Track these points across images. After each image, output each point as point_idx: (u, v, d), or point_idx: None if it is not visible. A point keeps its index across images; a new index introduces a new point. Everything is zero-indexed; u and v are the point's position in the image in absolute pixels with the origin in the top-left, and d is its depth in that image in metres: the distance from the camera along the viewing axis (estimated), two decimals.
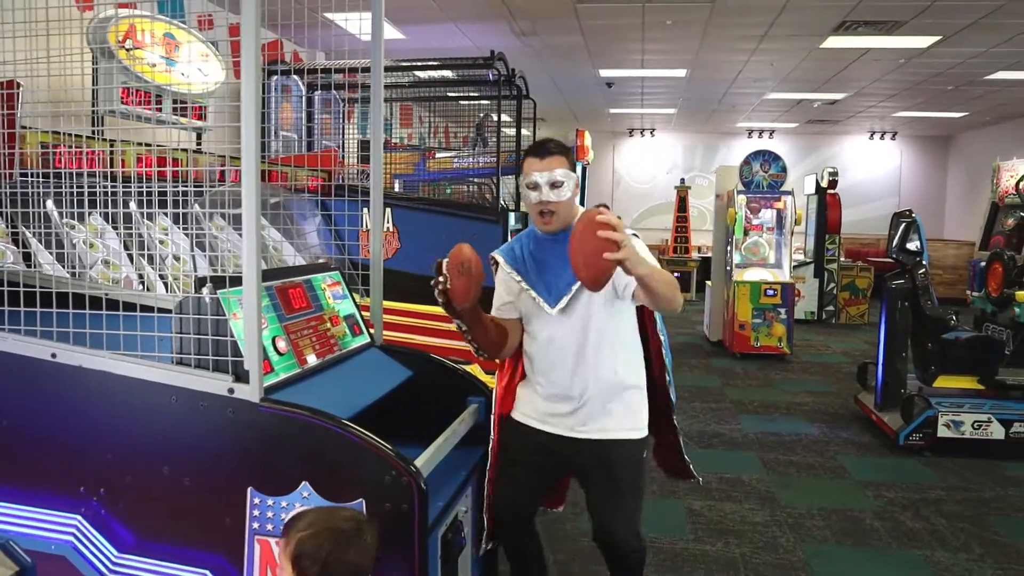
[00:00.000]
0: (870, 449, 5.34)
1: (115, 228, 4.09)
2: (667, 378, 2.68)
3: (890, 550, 3.74)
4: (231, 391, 1.97)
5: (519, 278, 2.52)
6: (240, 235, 3.59)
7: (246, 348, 1.96)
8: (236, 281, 2.02)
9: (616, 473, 2.48)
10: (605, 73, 10.55)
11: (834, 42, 8.27)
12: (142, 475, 2.08)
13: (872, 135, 16.00)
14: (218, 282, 2.03)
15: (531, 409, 2.55)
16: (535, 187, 2.39)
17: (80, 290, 2.21)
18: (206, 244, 4.25)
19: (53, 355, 2.12)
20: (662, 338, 2.65)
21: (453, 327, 5.67)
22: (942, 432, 5.13)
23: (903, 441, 5.18)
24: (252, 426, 1.97)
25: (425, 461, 2.01)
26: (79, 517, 2.11)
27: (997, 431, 5.11)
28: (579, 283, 2.32)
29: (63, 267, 3.72)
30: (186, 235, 4.34)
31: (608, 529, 2.50)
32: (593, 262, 2.07)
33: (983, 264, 7.09)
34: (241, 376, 1.98)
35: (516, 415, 2.59)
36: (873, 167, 16.16)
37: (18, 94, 3.63)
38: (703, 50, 8.92)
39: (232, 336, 2.00)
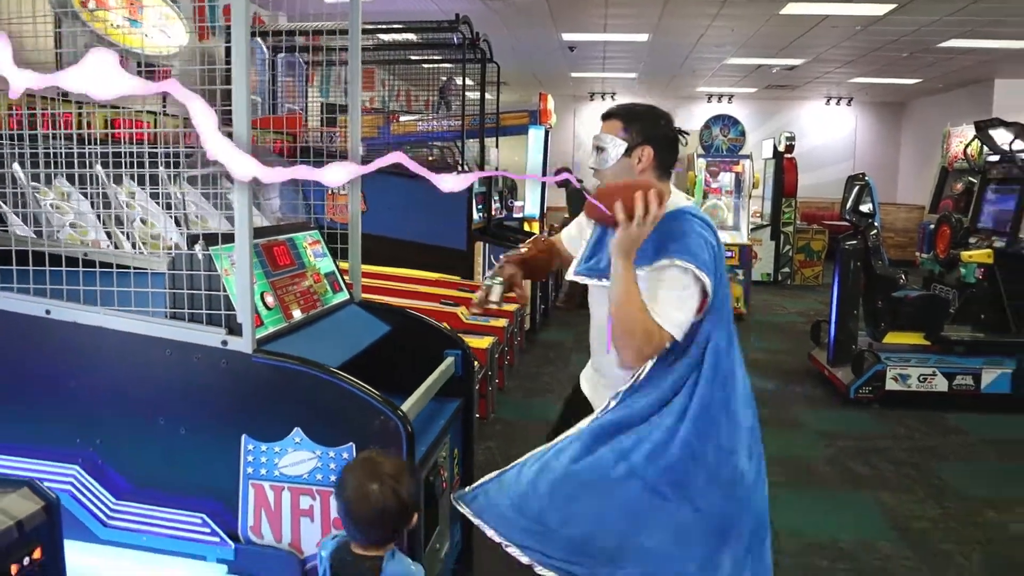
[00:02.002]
0: (823, 402, 5.60)
1: (82, 191, 4.11)
2: None
3: (840, 493, 3.98)
4: (225, 343, 2.06)
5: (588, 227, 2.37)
6: (204, 196, 3.65)
7: (239, 302, 2.06)
8: (228, 239, 2.11)
9: None
10: (568, 37, 10.61)
11: (793, 8, 8.42)
12: (138, 426, 2.17)
13: (829, 101, 16.28)
14: (210, 239, 2.12)
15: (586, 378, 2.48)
16: None
17: (73, 253, 2.28)
18: (172, 206, 4.29)
19: (47, 312, 2.19)
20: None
21: (421, 288, 5.77)
22: (890, 385, 5.40)
23: (853, 394, 5.44)
24: (246, 376, 2.07)
25: (410, 406, 2.13)
26: (76, 467, 2.19)
27: (941, 384, 5.39)
28: (604, 281, 2.14)
29: (29, 228, 3.74)
30: (157, 199, 4.38)
31: None
32: (607, 200, 2.00)
33: (932, 227, 7.35)
34: (234, 329, 2.07)
35: None
36: (829, 132, 16.47)
37: None
38: (665, 15, 9.02)
39: (224, 291, 2.09)
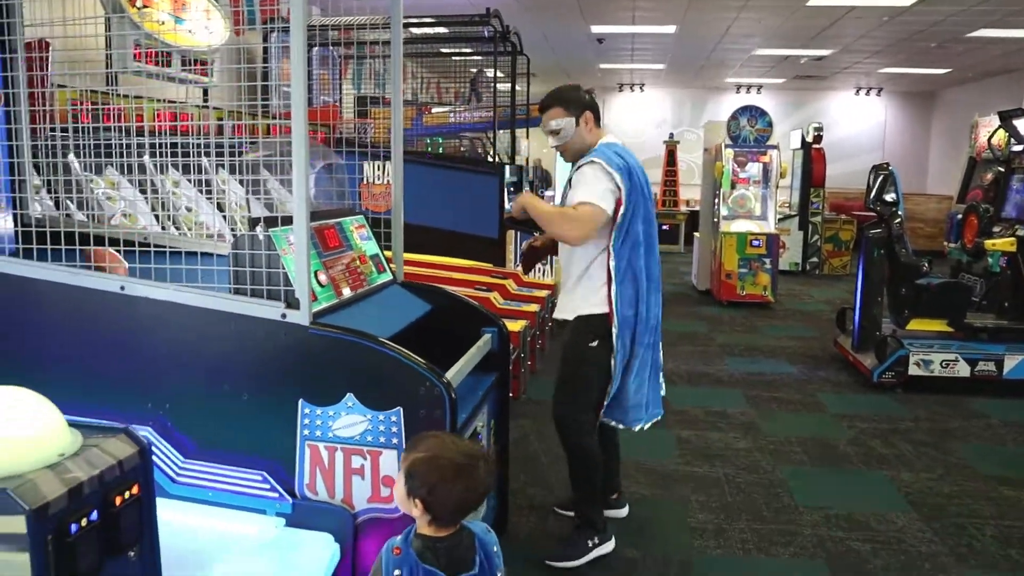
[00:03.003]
0: (846, 387, 5.72)
1: (131, 180, 4.34)
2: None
3: (860, 471, 4.11)
4: (284, 316, 2.27)
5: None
6: (240, 184, 3.88)
7: (297, 279, 2.26)
8: (286, 221, 2.31)
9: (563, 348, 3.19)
10: (596, 29, 10.73)
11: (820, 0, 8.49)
12: (204, 392, 2.38)
13: (858, 91, 16.23)
14: (269, 222, 2.32)
15: None
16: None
17: (140, 237, 2.48)
18: (215, 193, 4.51)
19: (122, 288, 2.40)
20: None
21: (455, 275, 5.97)
22: (913, 370, 5.50)
23: (877, 379, 5.55)
24: (303, 346, 2.27)
25: (453, 375, 2.32)
26: (149, 429, 2.41)
27: (963, 369, 5.48)
28: (563, 204, 3.13)
29: (83, 215, 3.97)
30: (204, 191, 4.60)
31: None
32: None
33: (960, 216, 7.41)
34: (292, 304, 2.27)
35: None
36: (858, 122, 16.42)
37: (50, 55, 3.86)
38: (692, 7, 9.12)
39: (283, 269, 2.29)
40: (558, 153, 3.19)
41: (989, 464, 4.23)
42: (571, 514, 3.40)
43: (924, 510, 3.63)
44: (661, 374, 3.24)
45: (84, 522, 1.40)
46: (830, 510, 3.60)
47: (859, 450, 4.40)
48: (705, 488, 3.83)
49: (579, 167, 3.01)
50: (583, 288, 3.05)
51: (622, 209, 2.93)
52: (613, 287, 2.98)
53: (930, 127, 16.45)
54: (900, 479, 4.00)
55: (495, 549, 1.87)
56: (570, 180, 3.10)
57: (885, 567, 3.12)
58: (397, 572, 1.74)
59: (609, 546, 3.13)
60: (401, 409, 2.23)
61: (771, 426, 4.76)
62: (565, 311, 3.14)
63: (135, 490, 1.56)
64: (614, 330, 3.00)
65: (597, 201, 2.90)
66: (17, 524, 1.29)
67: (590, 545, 3.08)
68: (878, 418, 4.97)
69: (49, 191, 3.82)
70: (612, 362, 3.02)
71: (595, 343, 3.02)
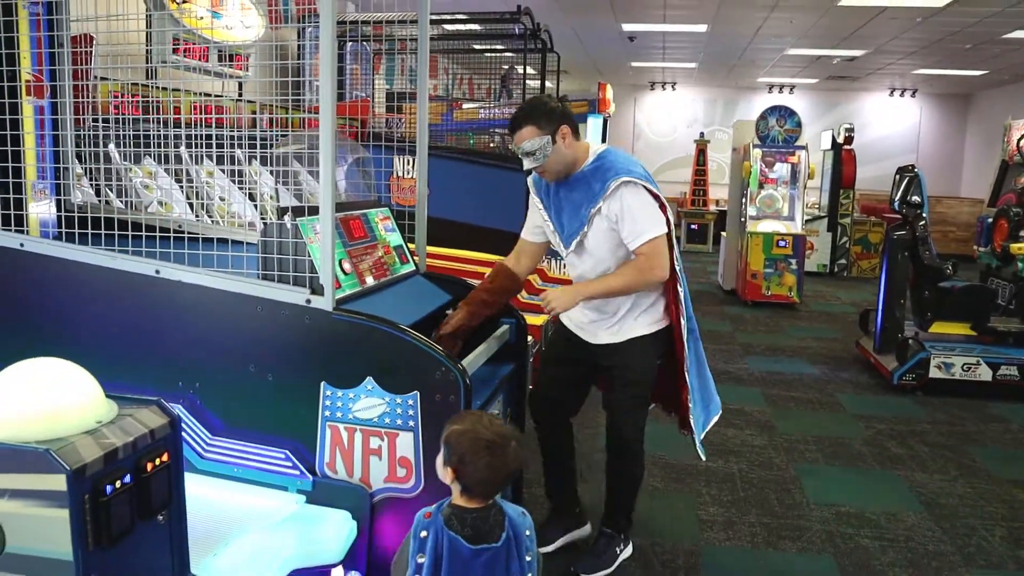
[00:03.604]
0: (866, 388, 5.74)
1: (167, 170, 4.50)
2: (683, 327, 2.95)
3: (873, 470, 4.15)
4: (308, 301, 2.37)
5: (541, 206, 2.96)
6: (271, 175, 4.00)
7: (321, 266, 2.36)
8: (312, 211, 2.42)
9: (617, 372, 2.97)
10: (628, 27, 10.76)
11: (851, 0, 8.46)
12: (231, 372, 2.49)
13: (892, 92, 16.07)
14: (297, 211, 2.43)
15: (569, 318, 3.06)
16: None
17: (178, 225, 2.61)
18: (246, 185, 4.66)
19: (157, 271, 2.53)
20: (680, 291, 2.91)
21: (478, 269, 6.07)
22: (934, 373, 5.50)
23: (897, 381, 5.57)
24: (326, 331, 2.38)
25: (469, 362, 2.42)
26: (179, 406, 2.53)
27: (985, 373, 5.47)
28: (586, 228, 2.80)
29: (120, 203, 4.13)
30: (237, 181, 4.74)
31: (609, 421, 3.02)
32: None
33: (990, 220, 7.37)
34: (317, 290, 2.37)
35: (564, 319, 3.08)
36: (892, 124, 16.27)
37: (94, 50, 4.01)
38: (723, 6, 9.12)
39: (309, 257, 2.40)
40: (535, 175, 2.92)
41: (1005, 468, 4.24)
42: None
43: (935, 510, 3.67)
44: None
45: (118, 484, 1.52)
46: (841, 507, 3.65)
47: (874, 450, 4.43)
48: (718, 483, 3.90)
49: (612, 192, 2.71)
50: (637, 308, 2.87)
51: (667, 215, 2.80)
52: (682, 292, 2.89)
53: (965, 129, 16.26)
54: (914, 479, 4.03)
55: (528, 533, 1.96)
56: (557, 198, 2.86)
57: (892, 563, 3.17)
58: (424, 533, 1.88)
59: (630, 549, 3.15)
60: (418, 393, 2.33)
61: (788, 424, 4.81)
62: (607, 336, 2.92)
63: (165, 457, 1.68)
64: (684, 336, 2.93)
65: (657, 230, 2.72)
66: (58, 482, 1.41)
67: (618, 552, 3.10)
68: (896, 419, 4.99)
69: (90, 179, 3.99)
70: (686, 369, 2.98)
71: (660, 361, 2.98)
